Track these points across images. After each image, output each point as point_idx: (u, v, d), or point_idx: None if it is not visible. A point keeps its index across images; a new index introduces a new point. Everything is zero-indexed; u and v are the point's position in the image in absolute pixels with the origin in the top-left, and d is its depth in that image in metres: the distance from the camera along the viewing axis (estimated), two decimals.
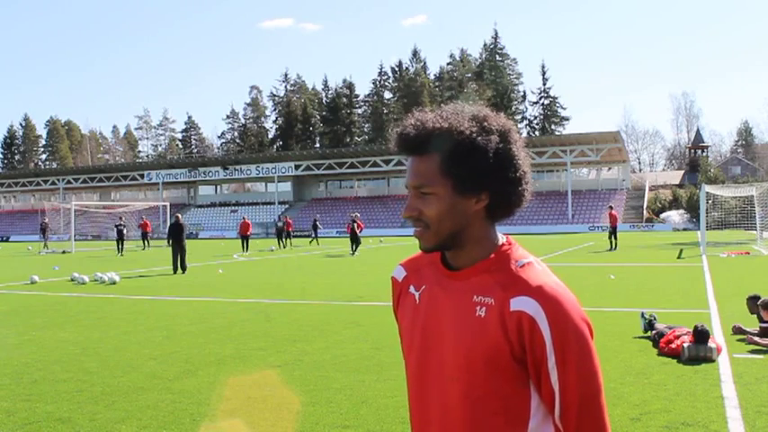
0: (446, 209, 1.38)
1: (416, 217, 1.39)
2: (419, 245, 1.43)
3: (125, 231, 31.67)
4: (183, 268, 19.06)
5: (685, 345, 6.63)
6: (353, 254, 26.93)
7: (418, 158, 1.39)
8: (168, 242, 20.06)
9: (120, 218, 33.51)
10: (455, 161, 1.36)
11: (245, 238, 29.99)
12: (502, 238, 1.45)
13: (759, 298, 8.00)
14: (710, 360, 6.53)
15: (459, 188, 1.37)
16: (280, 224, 35.75)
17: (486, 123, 1.38)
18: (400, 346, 1.68)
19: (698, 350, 6.58)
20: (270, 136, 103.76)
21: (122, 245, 31.04)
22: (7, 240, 65.99)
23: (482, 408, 1.36)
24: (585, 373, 1.33)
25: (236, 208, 69.87)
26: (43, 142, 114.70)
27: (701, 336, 6.65)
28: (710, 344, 6.66)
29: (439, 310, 1.43)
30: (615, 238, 27.36)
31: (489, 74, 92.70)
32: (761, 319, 7.69)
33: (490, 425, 1.36)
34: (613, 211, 28.22)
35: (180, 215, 21.39)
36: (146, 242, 35.77)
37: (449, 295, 1.43)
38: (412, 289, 1.52)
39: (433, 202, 1.37)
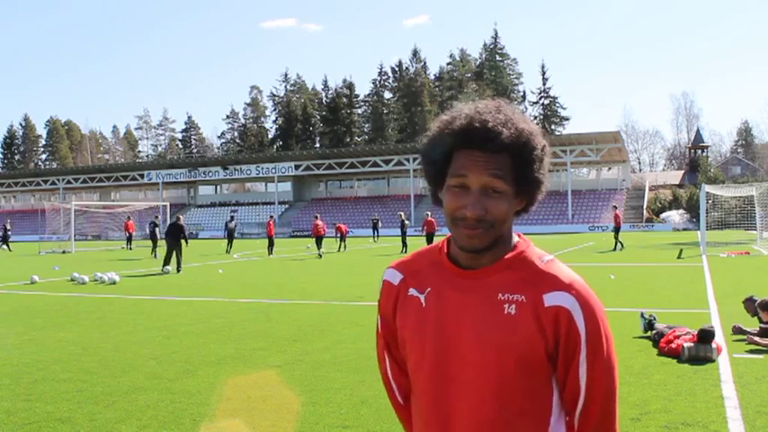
0: (509, 210, 1.39)
1: (483, 216, 1.35)
2: (468, 244, 1.37)
3: (158, 231, 29.73)
4: (179, 268, 19.24)
5: (686, 345, 6.63)
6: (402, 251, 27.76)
7: (494, 156, 1.35)
8: (166, 240, 20.23)
9: (157, 217, 32.42)
10: (528, 167, 1.38)
11: (321, 238, 26.89)
12: (515, 236, 1.46)
13: (754, 299, 8.03)
14: (711, 360, 6.53)
15: (517, 192, 1.39)
16: (231, 225, 31.55)
17: (542, 134, 1.43)
18: (377, 348, 1.65)
19: (698, 350, 6.57)
20: (270, 136, 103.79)
21: (155, 245, 28.83)
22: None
23: (510, 407, 1.36)
24: (610, 366, 1.38)
25: (236, 208, 69.90)
26: (43, 142, 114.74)
27: (705, 335, 6.64)
28: (711, 344, 6.65)
29: (454, 312, 1.41)
30: (616, 237, 27.32)
31: (489, 74, 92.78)
32: (761, 320, 7.69)
33: (517, 423, 1.37)
34: (617, 211, 28.25)
35: (181, 216, 21.43)
36: (130, 243, 35.51)
37: (465, 295, 1.40)
38: (414, 292, 1.48)
39: (501, 202, 1.36)
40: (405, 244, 28.78)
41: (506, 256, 1.41)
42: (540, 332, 1.34)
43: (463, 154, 1.37)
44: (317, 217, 27.71)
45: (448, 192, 1.39)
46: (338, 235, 31.62)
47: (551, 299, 1.34)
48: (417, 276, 1.50)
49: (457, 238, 1.40)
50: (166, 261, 19.47)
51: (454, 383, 1.39)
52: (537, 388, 1.37)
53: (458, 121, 1.39)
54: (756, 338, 7.25)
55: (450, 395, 1.40)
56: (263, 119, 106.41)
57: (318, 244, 26.53)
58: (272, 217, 30.33)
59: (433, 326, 1.43)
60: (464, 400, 1.38)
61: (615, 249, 26.11)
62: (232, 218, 34.04)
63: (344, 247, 31.11)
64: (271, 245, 28.05)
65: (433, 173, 1.44)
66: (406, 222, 30.08)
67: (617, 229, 27.44)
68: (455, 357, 1.39)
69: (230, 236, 30.86)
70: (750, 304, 8.04)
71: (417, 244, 26.17)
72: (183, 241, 19.84)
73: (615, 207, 29.93)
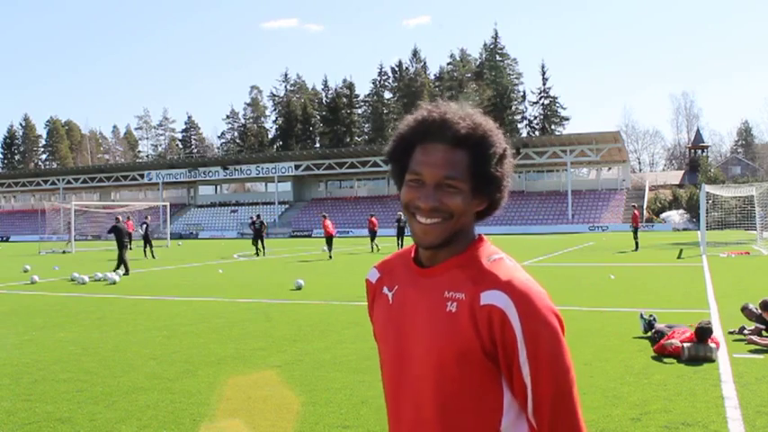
0: (465, 204, 1.38)
1: (437, 207, 1.36)
2: (422, 239, 1.39)
3: (149, 231, 29.03)
4: (125, 270, 18.62)
5: (685, 345, 6.63)
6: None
7: (449, 149, 1.37)
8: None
9: (147, 217, 31.19)
10: (486, 164, 1.38)
11: (329, 238, 25.70)
12: (476, 236, 1.47)
13: (749, 306, 8.07)
14: (711, 360, 6.53)
15: (475, 190, 1.38)
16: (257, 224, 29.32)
17: (505, 138, 1.43)
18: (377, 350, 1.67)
19: (698, 350, 6.57)
20: (270, 136, 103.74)
21: (150, 245, 28.21)
22: (7, 240, 66.00)
23: (453, 405, 1.35)
24: (558, 368, 1.31)
25: (236, 208, 69.90)
26: (43, 142, 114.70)
27: (702, 333, 6.63)
28: (711, 343, 6.65)
29: (411, 308, 1.43)
30: (636, 237, 27.23)
31: (489, 74, 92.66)
32: (762, 320, 7.70)
33: (462, 422, 1.35)
34: (636, 211, 28.28)
35: (120, 217, 20.66)
36: (130, 243, 35.20)
37: (421, 292, 1.42)
38: (385, 290, 1.52)
39: (456, 196, 1.36)
40: (400, 245, 28.94)
41: (459, 255, 1.41)
42: (476, 331, 1.32)
43: (421, 150, 1.39)
44: (325, 216, 26.74)
45: (405, 186, 1.41)
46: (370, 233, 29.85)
47: (486, 297, 1.32)
48: (391, 274, 1.54)
49: (413, 232, 1.41)
50: (119, 263, 18.89)
51: (405, 380, 1.42)
52: (480, 387, 1.35)
53: (418, 115, 1.43)
54: (755, 338, 7.26)
55: (402, 390, 1.43)
56: (263, 119, 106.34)
57: (329, 245, 25.42)
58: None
59: (395, 323, 1.46)
60: (410, 394, 1.40)
61: (636, 249, 25.82)
62: (258, 216, 30.39)
63: (376, 246, 29.20)
64: (255, 243, 28.12)
65: (397, 171, 1.46)
66: (402, 222, 30.00)
67: (636, 229, 27.38)
68: (407, 354, 1.41)
69: (258, 235, 28.75)
70: (748, 311, 8.07)
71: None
72: (126, 243, 19.28)
73: (635, 207, 29.92)
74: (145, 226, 29.19)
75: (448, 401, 1.35)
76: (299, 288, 13.67)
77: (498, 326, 1.30)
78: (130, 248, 20.54)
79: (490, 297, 1.32)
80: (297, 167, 68.07)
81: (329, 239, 25.74)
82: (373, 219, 30.45)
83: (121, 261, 18.94)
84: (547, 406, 1.32)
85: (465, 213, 1.39)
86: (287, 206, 69.38)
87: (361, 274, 17.85)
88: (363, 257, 25.42)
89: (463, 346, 1.33)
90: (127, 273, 18.40)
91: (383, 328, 1.50)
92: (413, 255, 1.50)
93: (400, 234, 29.38)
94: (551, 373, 1.31)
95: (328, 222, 26.05)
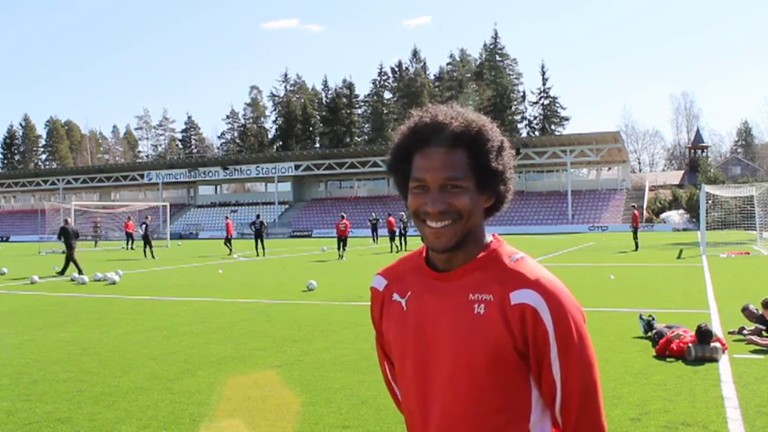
0: (473, 203, 1.38)
1: (445, 209, 1.36)
2: (435, 244, 1.39)
3: (149, 231, 28.84)
4: (77, 269, 18.47)
5: (691, 345, 6.62)
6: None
7: (448, 151, 1.37)
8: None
9: (147, 217, 30.97)
10: (486, 159, 1.38)
11: (342, 239, 25.35)
12: (489, 236, 1.47)
13: (749, 307, 8.08)
14: (716, 360, 6.53)
15: (480, 186, 1.39)
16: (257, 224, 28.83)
17: (499, 131, 1.44)
18: (377, 354, 1.67)
19: (704, 350, 6.56)
20: (270, 136, 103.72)
21: (150, 245, 27.97)
22: (7, 240, 65.99)
23: (485, 406, 1.37)
24: (586, 363, 1.36)
25: (236, 208, 69.91)
26: (43, 142, 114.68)
27: (703, 335, 6.64)
28: (716, 344, 6.65)
29: (431, 314, 1.43)
30: (636, 237, 27.17)
31: (489, 74, 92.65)
32: (763, 320, 7.70)
33: (493, 422, 1.37)
34: (636, 212, 28.26)
35: (69, 219, 20.51)
36: (130, 242, 35.47)
37: (440, 297, 1.42)
38: (396, 297, 1.51)
39: (463, 196, 1.37)
40: (405, 242, 29.17)
41: (477, 257, 1.42)
42: (508, 330, 1.34)
43: (420, 156, 1.39)
44: (343, 216, 26.33)
45: (410, 194, 1.42)
46: (388, 232, 29.85)
47: (517, 297, 1.34)
48: (400, 281, 1.53)
49: (424, 237, 1.41)
50: (65, 265, 18.75)
51: (433, 384, 1.42)
52: (511, 386, 1.37)
53: (410, 123, 1.43)
54: (755, 338, 7.26)
55: (430, 396, 1.42)
56: (263, 119, 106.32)
57: (343, 245, 24.97)
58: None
59: (413, 329, 1.45)
60: (440, 399, 1.40)
61: (636, 249, 25.76)
62: (258, 216, 30.09)
63: (397, 246, 29.17)
64: (228, 243, 28.34)
65: (400, 181, 1.46)
66: (405, 222, 30.16)
67: (635, 230, 27.32)
68: (433, 359, 1.42)
69: (258, 235, 28.38)
70: (749, 312, 8.07)
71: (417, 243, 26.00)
72: (73, 244, 19.15)
73: (634, 207, 29.86)
74: (145, 226, 29.17)
75: (480, 401, 1.37)
76: (311, 289, 13.56)
77: (531, 323, 1.33)
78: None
79: (521, 296, 1.34)
80: (297, 167, 68.07)
81: (343, 240, 25.22)
82: (391, 219, 30.42)
83: (68, 263, 18.70)
84: (575, 402, 1.35)
85: (474, 212, 1.39)
86: (287, 206, 69.39)
87: (361, 275, 17.94)
88: (375, 258, 25.40)
89: (495, 347, 1.35)
90: (80, 273, 17.84)
91: (399, 336, 1.49)
92: (425, 258, 1.50)
93: (403, 234, 29.50)
94: (580, 370, 1.35)
95: (345, 222, 25.61)
